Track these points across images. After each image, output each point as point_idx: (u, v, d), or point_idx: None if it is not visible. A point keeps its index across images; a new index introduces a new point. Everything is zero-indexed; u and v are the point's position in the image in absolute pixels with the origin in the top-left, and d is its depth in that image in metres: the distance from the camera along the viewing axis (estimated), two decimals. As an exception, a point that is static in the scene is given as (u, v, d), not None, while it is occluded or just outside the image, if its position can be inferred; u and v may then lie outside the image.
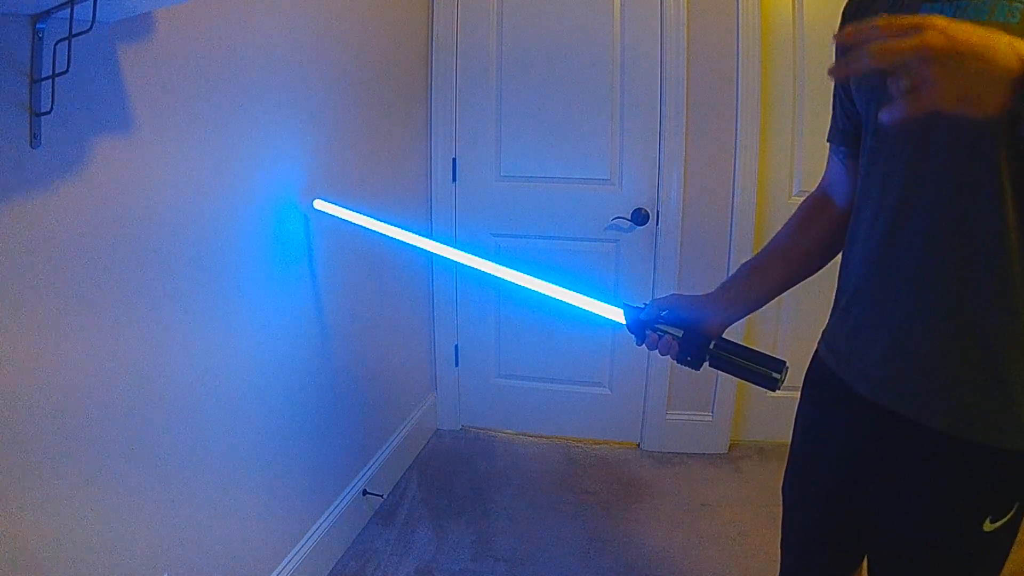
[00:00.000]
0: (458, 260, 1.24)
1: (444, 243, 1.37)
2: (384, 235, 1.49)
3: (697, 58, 2.26)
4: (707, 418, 2.50)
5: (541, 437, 2.63)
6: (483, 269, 1.18)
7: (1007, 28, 0.66)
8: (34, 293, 0.92)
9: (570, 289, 1.06)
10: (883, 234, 0.81)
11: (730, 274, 1.05)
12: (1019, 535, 0.81)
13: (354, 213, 1.54)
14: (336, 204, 1.58)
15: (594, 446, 2.57)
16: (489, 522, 2.07)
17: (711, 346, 0.93)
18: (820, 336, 0.98)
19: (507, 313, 2.57)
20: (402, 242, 1.46)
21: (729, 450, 2.51)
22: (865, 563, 1.00)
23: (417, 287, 2.48)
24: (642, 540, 1.99)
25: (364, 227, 1.52)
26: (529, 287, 1.11)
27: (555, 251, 2.46)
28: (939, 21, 0.54)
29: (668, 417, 2.51)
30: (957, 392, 0.77)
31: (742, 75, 2.23)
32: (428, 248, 1.39)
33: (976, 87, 0.53)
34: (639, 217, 2.35)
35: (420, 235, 1.42)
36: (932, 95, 0.53)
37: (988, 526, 0.78)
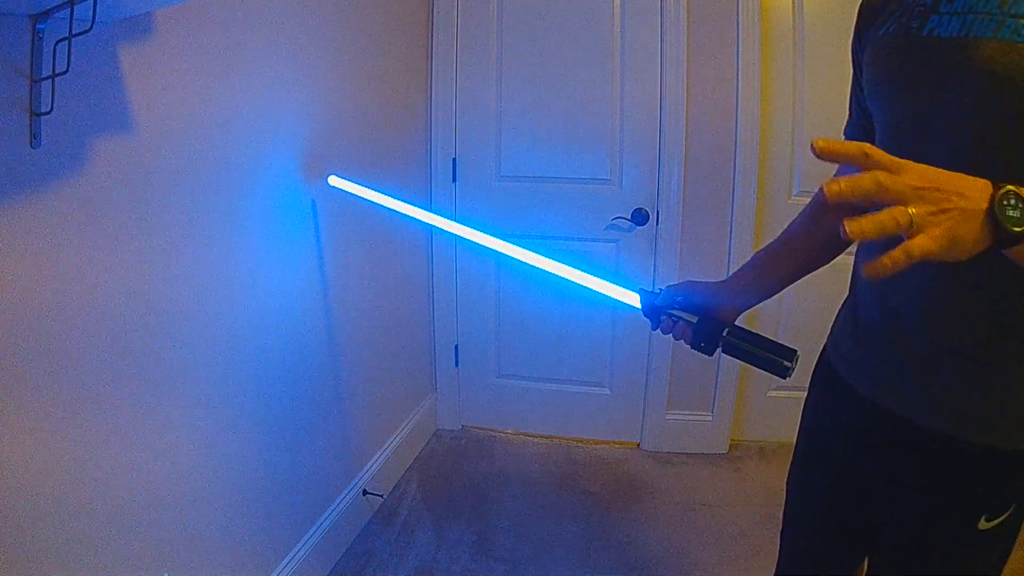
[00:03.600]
0: (479, 241, 1.23)
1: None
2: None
3: (697, 57, 2.26)
4: (707, 418, 2.50)
5: (541, 437, 2.63)
6: (506, 252, 1.17)
7: (1013, 48, 0.66)
8: (31, 293, 0.92)
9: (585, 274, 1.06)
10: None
11: (742, 264, 1.06)
12: (1020, 535, 0.82)
13: (367, 189, 1.55)
14: (348, 182, 1.60)
15: (594, 446, 2.57)
16: (489, 522, 2.07)
17: (724, 333, 0.93)
18: (828, 333, 0.99)
19: (507, 313, 2.56)
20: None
21: (729, 450, 2.50)
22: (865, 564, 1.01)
23: (417, 287, 2.48)
24: (642, 540, 1.99)
25: (376, 204, 1.53)
26: (551, 272, 1.10)
27: (555, 251, 2.41)
28: (908, 164, 0.54)
29: (668, 417, 2.51)
30: (956, 395, 0.78)
31: (742, 74, 2.23)
32: (446, 227, 1.37)
33: (959, 227, 0.53)
34: (639, 217, 2.35)
35: (425, 222, 1.41)
36: (922, 239, 0.52)
37: (984, 524, 0.78)
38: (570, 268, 1.07)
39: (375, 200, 1.53)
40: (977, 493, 0.79)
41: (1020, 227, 0.53)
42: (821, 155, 0.55)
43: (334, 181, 1.63)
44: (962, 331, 0.76)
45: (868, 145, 0.55)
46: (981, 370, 0.76)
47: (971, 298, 0.75)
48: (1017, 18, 0.66)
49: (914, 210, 0.52)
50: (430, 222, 1.40)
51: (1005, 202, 0.53)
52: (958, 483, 0.79)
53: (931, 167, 0.54)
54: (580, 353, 2.54)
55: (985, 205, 0.53)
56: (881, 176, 0.53)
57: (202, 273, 1.27)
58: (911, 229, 0.52)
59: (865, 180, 0.53)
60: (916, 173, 0.54)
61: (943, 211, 0.52)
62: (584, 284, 1.06)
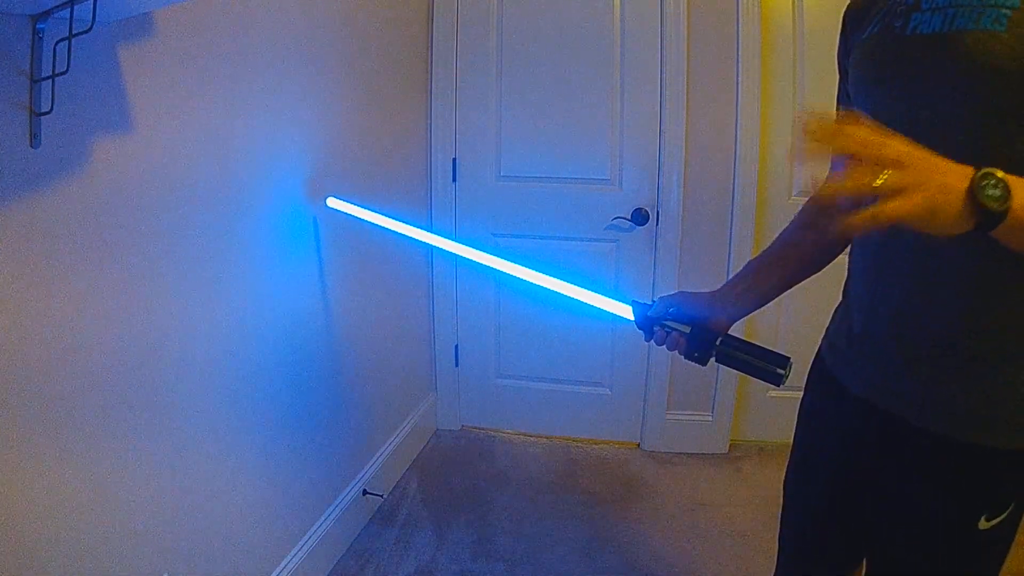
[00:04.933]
0: (479, 261, 1.23)
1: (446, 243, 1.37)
2: (393, 233, 1.49)
3: (697, 58, 2.26)
4: (707, 418, 2.50)
5: (541, 437, 2.63)
6: (501, 269, 1.17)
7: (994, 37, 0.66)
8: (33, 293, 0.92)
9: (577, 286, 1.07)
10: (879, 240, 0.82)
11: (735, 272, 1.06)
12: (1019, 535, 0.82)
13: (367, 211, 1.55)
14: (346, 201, 1.59)
15: (594, 446, 2.57)
16: (489, 522, 2.07)
17: (717, 342, 0.94)
18: (823, 334, 0.99)
19: (507, 313, 2.57)
20: (409, 239, 1.46)
21: (729, 450, 2.51)
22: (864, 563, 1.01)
23: (417, 287, 2.48)
24: (642, 540, 1.99)
25: (374, 224, 1.53)
26: (542, 285, 1.11)
27: (555, 251, 2.46)
28: (896, 137, 0.55)
29: (668, 417, 2.51)
30: (950, 395, 0.78)
31: (742, 75, 2.23)
32: (448, 248, 1.38)
33: (937, 200, 0.54)
34: (639, 217, 2.35)
35: (431, 232, 1.42)
36: (899, 202, 0.53)
37: (984, 524, 0.78)
38: (564, 283, 1.07)
39: (373, 221, 1.53)
40: (976, 492, 0.78)
41: (1000, 205, 0.54)
42: (811, 141, 0.57)
43: (332, 203, 1.61)
44: (955, 331, 0.76)
45: (860, 114, 0.57)
46: (975, 370, 0.76)
47: (964, 298, 0.75)
48: (997, 7, 0.67)
49: (889, 173, 0.54)
50: (428, 241, 1.41)
51: (984, 182, 0.54)
52: (957, 483, 0.79)
53: (917, 146, 0.56)
54: (580, 353, 2.54)
55: (965, 185, 0.54)
56: (865, 133, 0.55)
57: (202, 275, 1.27)
58: (884, 190, 0.53)
59: (853, 134, 0.55)
60: (901, 146, 0.55)
61: (919, 183, 0.53)
62: (578, 298, 1.06)
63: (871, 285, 0.85)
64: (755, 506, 2.13)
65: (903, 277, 0.79)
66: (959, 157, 0.71)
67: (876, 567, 0.92)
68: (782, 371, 0.89)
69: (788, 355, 0.91)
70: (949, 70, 0.70)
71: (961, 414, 0.77)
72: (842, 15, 0.90)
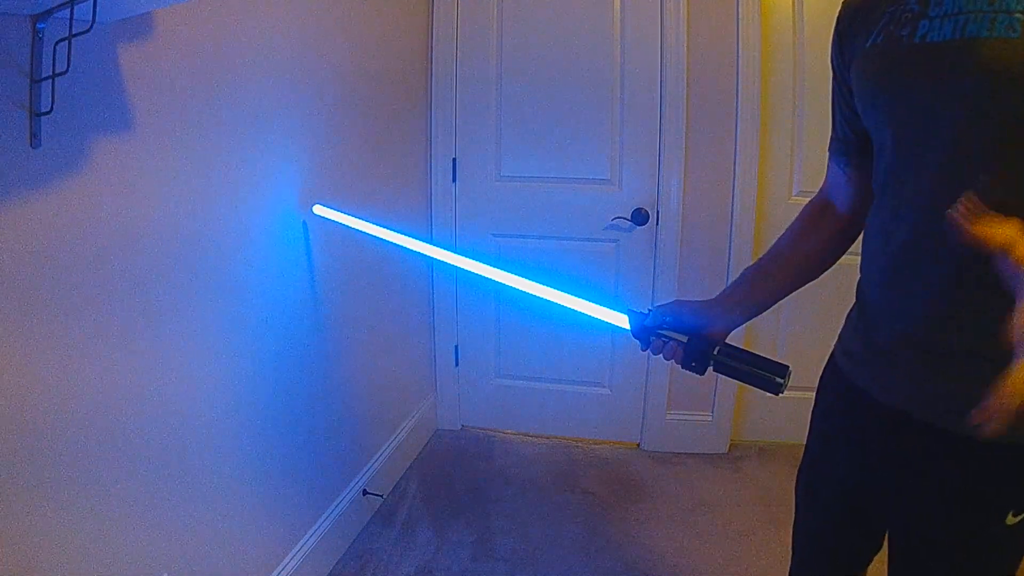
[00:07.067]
0: (458, 265, 1.23)
1: (444, 245, 1.36)
2: (383, 240, 1.49)
3: (697, 58, 2.26)
4: (707, 418, 2.50)
5: (541, 437, 2.63)
6: (486, 275, 1.16)
7: (1009, 44, 0.65)
8: (32, 294, 0.92)
9: (573, 293, 1.06)
10: (899, 248, 0.80)
11: (732, 278, 1.05)
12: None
13: (353, 218, 1.54)
14: (335, 209, 1.59)
15: (594, 446, 2.57)
16: (489, 522, 2.07)
17: (715, 352, 0.94)
18: (836, 339, 0.98)
19: (507, 313, 2.57)
20: (401, 246, 1.45)
21: (729, 450, 2.50)
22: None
23: (417, 287, 2.48)
24: (642, 540, 1.99)
25: (363, 232, 1.52)
26: (534, 293, 1.10)
27: (555, 251, 2.46)
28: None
29: (668, 417, 2.51)
30: (973, 396, 0.77)
31: (742, 75, 2.23)
32: (428, 253, 1.38)
33: None
34: (639, 217, 2.35)
35: (420, 239, 1.41)
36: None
37: (1011, 519, 0.77)
38: (560, 292, 1.06)
39: (361, 229, 1.51)
40: (1005, 488, 0.78)
41: None
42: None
43: (319, 211, 1.59)
44: (977, 333, 0.75)
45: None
46: (998, 371, 0.75)
47: (986, 299, 0.74)
48: (1010, 13, 0.65)
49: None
50: (417, 249, 1.40)
51: None
52: (984, 481, 0.78)
53: None
54: (580, 353, 2.54)
55: None
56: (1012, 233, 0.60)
57: (200, 274, 1.27)
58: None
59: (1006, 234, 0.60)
60: None
61: None
62: (574, 308, 1.05)
63: (895, 290, 0.83)
64: (755, 506, 2.13)
65: (929, 281, 0.78)
66: (976, 168, 0.70)
67: (899, 568, 0.91)
68: (781, 380, 0.89)
69: (787, 363, 0.90)
70: (963, 79, 0.68)
71: None
72: (837, 15, 0.88)
